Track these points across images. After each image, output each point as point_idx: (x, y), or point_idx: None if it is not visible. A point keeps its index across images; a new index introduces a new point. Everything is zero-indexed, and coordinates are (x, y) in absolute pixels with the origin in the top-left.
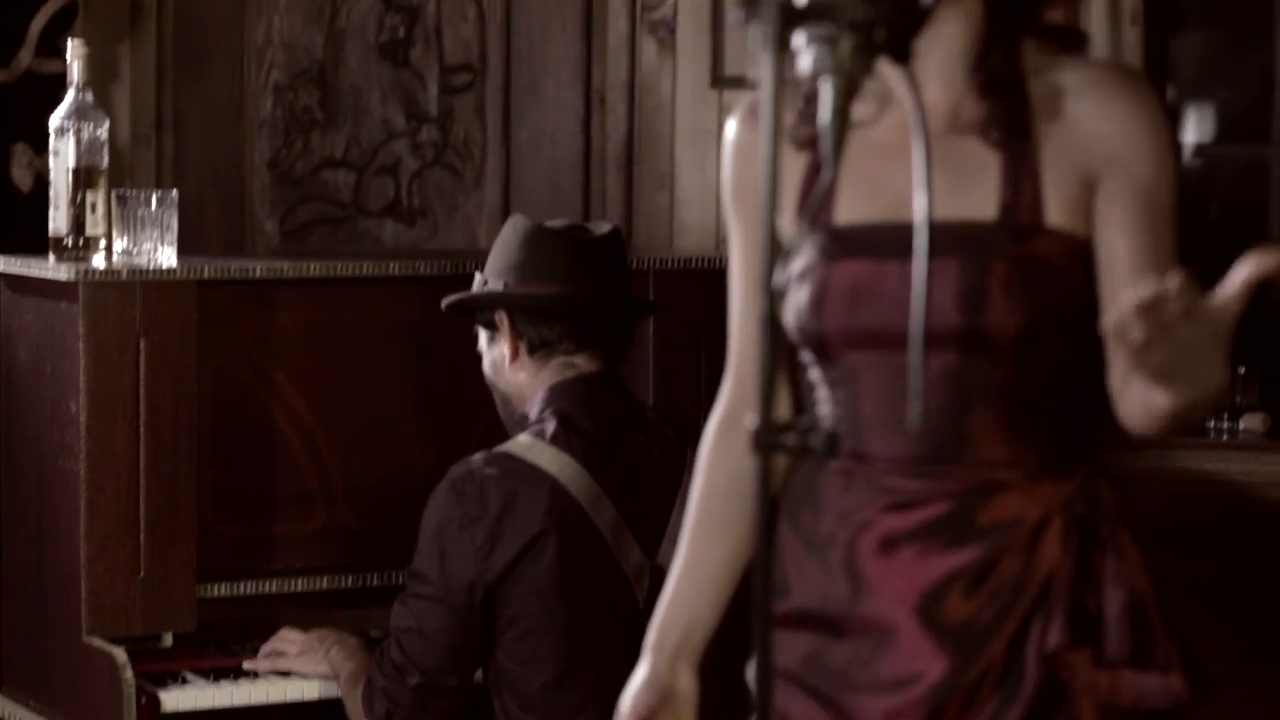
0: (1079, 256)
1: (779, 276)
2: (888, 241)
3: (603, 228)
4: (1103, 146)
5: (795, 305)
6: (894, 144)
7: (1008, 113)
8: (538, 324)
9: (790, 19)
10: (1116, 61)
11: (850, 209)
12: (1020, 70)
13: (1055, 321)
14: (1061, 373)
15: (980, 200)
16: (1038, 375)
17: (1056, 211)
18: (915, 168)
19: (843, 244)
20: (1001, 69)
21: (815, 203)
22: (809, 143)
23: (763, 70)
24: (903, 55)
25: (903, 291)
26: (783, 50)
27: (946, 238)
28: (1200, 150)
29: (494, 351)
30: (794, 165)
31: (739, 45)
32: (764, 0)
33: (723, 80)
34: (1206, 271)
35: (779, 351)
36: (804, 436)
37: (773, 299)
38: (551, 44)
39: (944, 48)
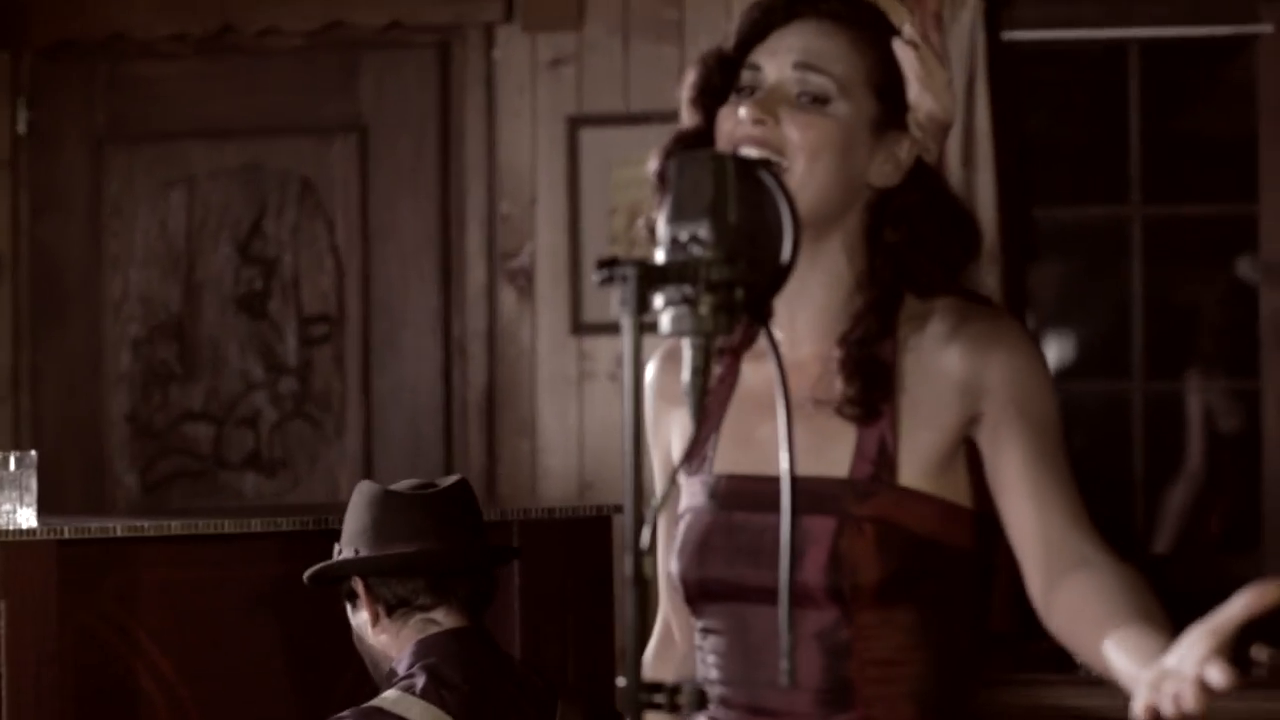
0: (932, 516)
1: (645, 536)
2: (754, 494)
3: (449, 480)
4: (972, 385)
5: (675, 550)
6: (766, 397)
7: (862, 393)
8: (391, 584)
9: (649, 279)
10: (984, 303)
11: (724, 459)
12: (891, 343)
13: (916, 576)
14: (933, 622)
15: (835, 459)
16: (908, 626)
17: (912, 473)
18: (779, 429)
19: (716, 494)
20: (864, 347)
21: (682, 455)
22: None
23: (624, 332)
24: (762, 315)
25: (748, 545)
26: (642, 311)
27: (804, 496)
28: (1061, 384)
29: (357, 618)
30: (684, 416)
31: (599, 292)
32: (622, 261)
33: (583, 327)
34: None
35: (646, 609)
36: (672, 695)
37: (640, 560)
38: (410, 294)
39: (812, 307)
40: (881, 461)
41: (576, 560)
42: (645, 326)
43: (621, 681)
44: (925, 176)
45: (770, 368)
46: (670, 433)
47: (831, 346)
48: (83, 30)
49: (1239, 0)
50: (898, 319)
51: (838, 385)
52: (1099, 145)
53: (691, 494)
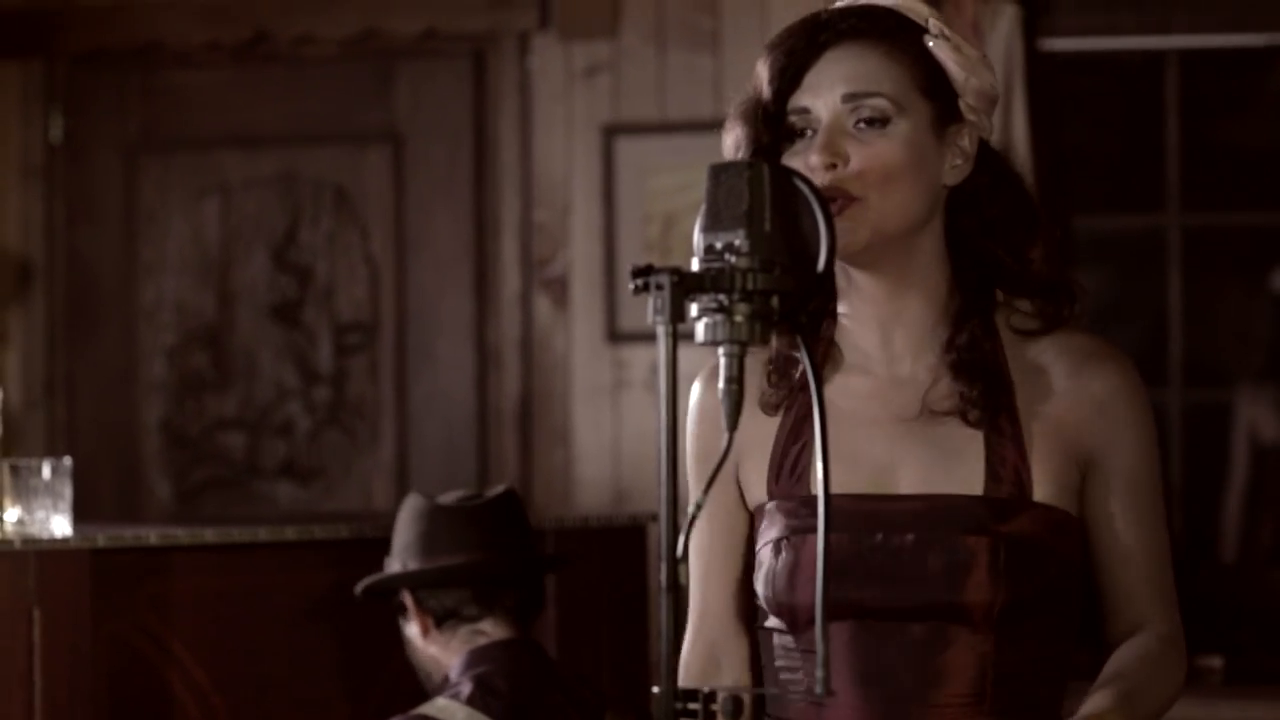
0: (1067, 532)
1: (681, 544)
2: (868, 513)
3: (496, 490)
4: (1090, 434)
5: (768, 575)
6: (868, 413)
7: (984, 396)
8: (439, 596)
9: (684, 287)
10: (1093, 337)
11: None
12: (997, 348)
13: (1040, 598)
14: (1045, 646)
15: (965, 477)
16: (1020, 649)
17: (1044, 487)
18: (816, 441)
19: (829, 514)
20: (975, 349)
21: (718, 470)
22: (777, 407)
23: (659, 340)
24: (798, 324)
25: (883, 566)
26: (677, 319)
27: (932, 513)
28: None
29: (408, 630)
30: (763, 430)
31: (634, 300)
32: (657, 269)
33: (618, 336)
34: None
35: (681, 618)
36: (708, 703)
37: (675, 568)
38: (445, 302)
39: (911, 323)
40: (1018, 479)
41: (612, 569)
42: (680, 335)
43: (656, 689)
44: (990, 159)
45: (872, 376)
46: (738, 453)
47: (937, 357)
48: (117, 39)
49: (1278, 9)
50: (996, 326)
51: (956, 392)
52: (1137, 154)
53: (786, 513)
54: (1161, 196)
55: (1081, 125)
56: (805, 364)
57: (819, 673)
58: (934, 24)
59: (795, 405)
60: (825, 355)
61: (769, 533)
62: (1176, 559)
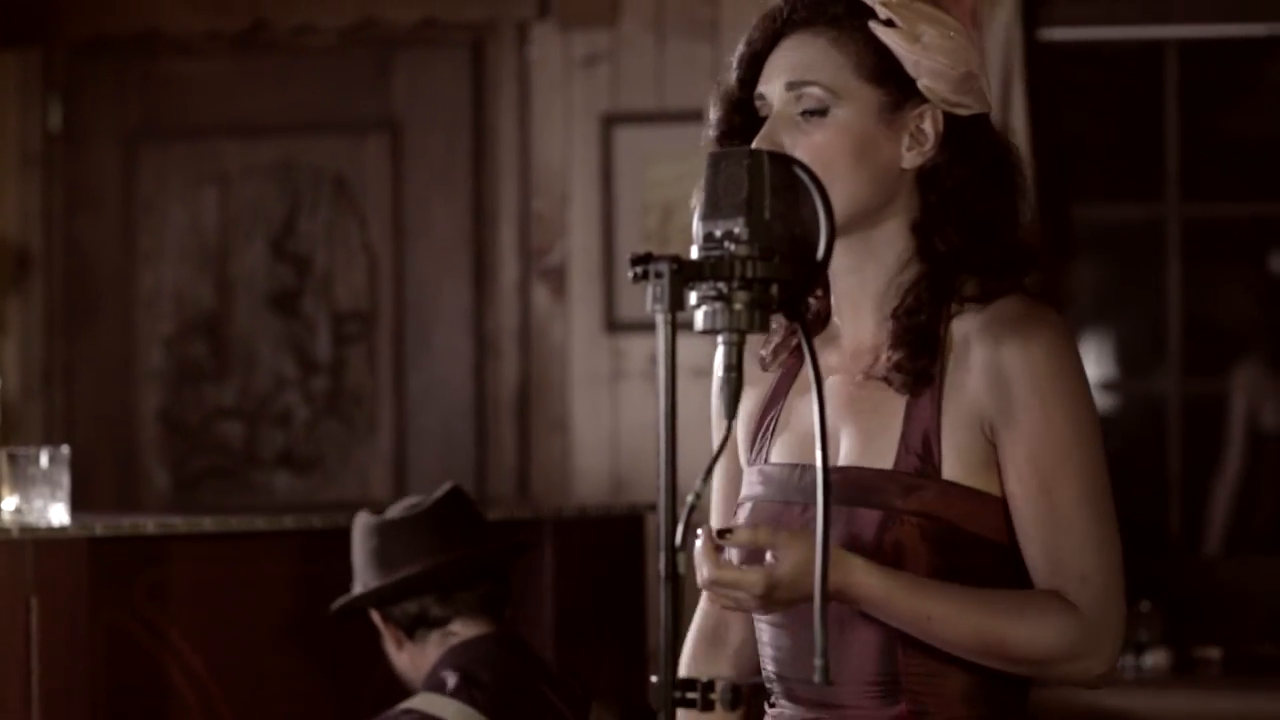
0: (983, 510)
1: (680, 533)
2: (799, 484)
3: (440, 491)
4: (991, 404)
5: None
6: (830, 385)
7: (909, 360)
8: (402, 606)
9: (683, 276)
10: (1023, 302)
11: (781, 447)
12: (938, 317)
13: (964, 571)
14: None
15: (881, 449)
16: None
17: (951, 465)
18: (815, 425)
19: (764, 482)
20: (910, 315)
21: (718, 449)
22: (767, 366)
23: (658, 329)
24: (797, 312)
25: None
26: (676, 308)
27: (851, 487)
28: (1097, 383)
29: (386, 646)
30: (753, 393)
31: (632, 290)
32: (656, 257)
33: (616, 325)
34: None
35: (680, 606)
36: (705, 692)
37: (674, 557)
38: (443, 292)
39: (875, 293)
40: (925, 455)
41: (609, 559)
42: (679, 324)
43: (654, 679)
44: (954, 136)
45: (808, 365)
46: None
47: (884, 325)
48: (116, 27)
49: (1276, 0)
50: (950, 302)
51: (889, 359)
52: (1136, 144)
53: (749, 483)
54: (1161, 186)
55: (1081, 115)
56: (806, 351)
57: (817, 661)
58: (881, 10)
59: (779, 367)
60: (821, 329)
61: (742, 493)
62: (1171, 549)
